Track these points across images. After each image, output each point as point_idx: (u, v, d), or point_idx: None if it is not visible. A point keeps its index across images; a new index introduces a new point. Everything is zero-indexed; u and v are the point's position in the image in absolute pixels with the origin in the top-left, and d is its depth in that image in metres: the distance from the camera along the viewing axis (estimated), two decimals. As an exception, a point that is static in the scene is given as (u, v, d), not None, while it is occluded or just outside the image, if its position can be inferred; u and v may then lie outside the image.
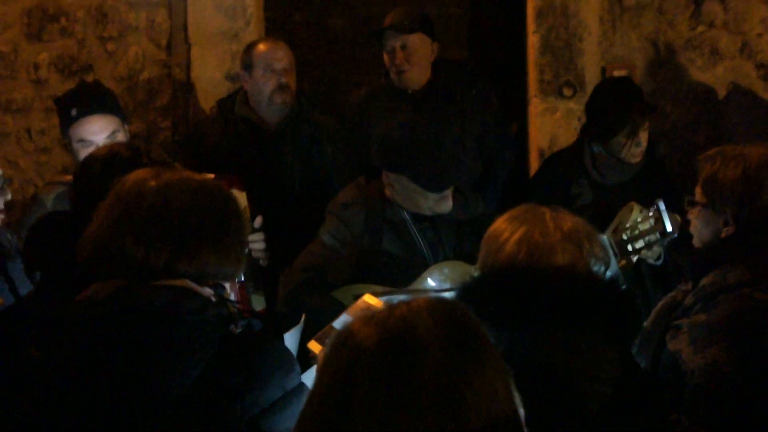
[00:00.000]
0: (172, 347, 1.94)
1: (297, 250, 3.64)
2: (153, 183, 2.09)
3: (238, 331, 2.01)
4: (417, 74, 4.47)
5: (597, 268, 2.19)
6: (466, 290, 2.19)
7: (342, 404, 1.42)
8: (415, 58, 4.44)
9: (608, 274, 2.25)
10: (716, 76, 5.34)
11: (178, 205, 2.06)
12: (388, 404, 1.39)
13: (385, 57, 4.48)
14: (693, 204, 2.75)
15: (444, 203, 3.51)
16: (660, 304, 2.85)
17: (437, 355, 1.42)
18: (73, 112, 3.82)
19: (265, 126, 4.39)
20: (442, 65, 4.56)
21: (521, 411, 1.50)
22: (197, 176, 2.19)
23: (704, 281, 2.63)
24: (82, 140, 3.79)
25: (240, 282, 3.29)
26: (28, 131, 5.57)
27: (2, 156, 5.13)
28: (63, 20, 5.46)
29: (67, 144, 3.95)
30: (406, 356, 1.42)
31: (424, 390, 1.40)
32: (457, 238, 3.57)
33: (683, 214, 3.73)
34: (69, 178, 3.64)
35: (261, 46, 4.41)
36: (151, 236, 2.03)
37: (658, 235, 3.21)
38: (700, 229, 2.73)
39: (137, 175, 2.13)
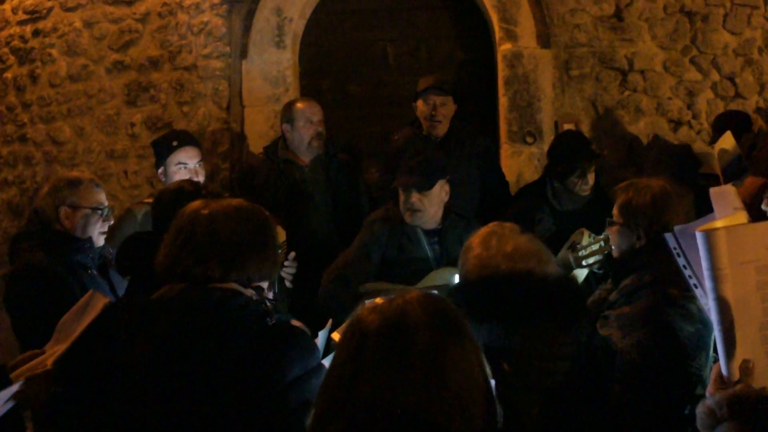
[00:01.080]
0: (222, 334, 1.88)
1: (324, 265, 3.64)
2: (204, 212, 2.03)
3: (272, 323, 1.95)
4: (445, 126, 4.38)
5: (541, 275, 2.13)
6: (450, 295, 2.17)
7: (353, 375, 1.40)
8: (446, 113, 4.37)
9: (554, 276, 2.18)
10: (639, 128, 5.33)
11: (224, 227, 2.00)
12: (388, 375, 1.38)
13: (423, 109, 4.38)
14: (612, 224, 2.71)
15: (410, 214, 3.49)
16: (588, 301, 2.77)
17: (425, 337, 1.41)
18: (174, 143, 3.97)
19: (302, 164, 4.35)
20: (455, 121, 4.48)
21: (492, 381, 1.48)
22: (235, 201, 2.12)
23: (625, 282, 2.61)
24: (180, 163, 3.91)
25: (274, 292, 3.21)
26: (125, 172, 5.55)
27: (107, 191, 5.02)
28: (152, 90, 5.47)
29: (161, 172, 4.00)
30: (401, 338, 1.41)
31: (415, 363, 1.38)
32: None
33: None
34: (151, 200, 3.72)
35: (300, 104, 4.39)
36: (205, 257, 1.97)
37: (605, 254, 3.20)
38: (618, 243, 2.70)
39: (191, 207, 2.08)
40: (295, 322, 2.38)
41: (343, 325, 2.55)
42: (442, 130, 4.36)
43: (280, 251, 3.32)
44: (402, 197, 3.51)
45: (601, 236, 3.20)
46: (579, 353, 2.08)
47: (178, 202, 2.72)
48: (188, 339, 1.88)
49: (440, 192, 3.53)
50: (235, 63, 5.30)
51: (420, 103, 4.38)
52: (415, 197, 3.47)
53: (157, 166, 4.02)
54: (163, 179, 3.96)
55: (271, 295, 2.12)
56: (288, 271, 3.42)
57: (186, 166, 3.91)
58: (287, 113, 4.36)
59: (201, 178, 3.92)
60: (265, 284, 2.08)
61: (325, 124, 4.39)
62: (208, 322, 1.88)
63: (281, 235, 3.41)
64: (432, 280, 3.34)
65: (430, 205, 3.50)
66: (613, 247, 2.75)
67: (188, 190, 2.91)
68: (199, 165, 3.97)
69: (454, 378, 1.38)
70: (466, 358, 1.42)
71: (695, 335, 2.43)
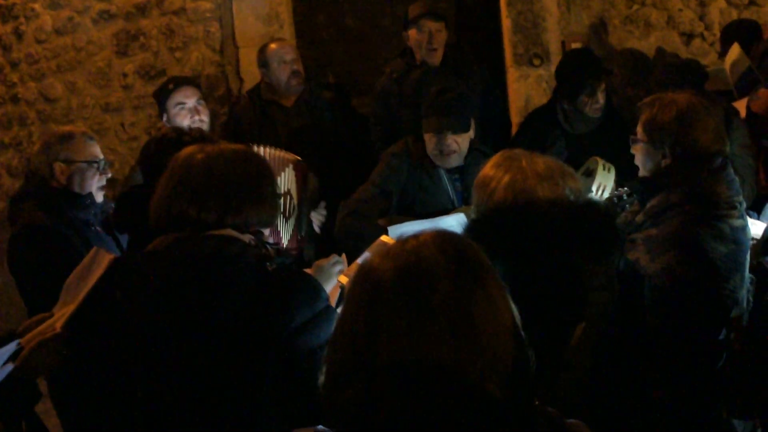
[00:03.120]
0: (218, 283, 1.80)
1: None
2: (199, 156, 1.94)
3: (272, 267, 1.85)
4: (440, 54, 4.21)
5: (573, 197, 2.01)
6: (467, 231, 1.97)
7: (367, 332, 1.20)
8: (442, 40, 4.19)
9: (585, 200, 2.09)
10: (650, 44, 5.13)
11: (220, 171, 1.91)
12: (408, 330, 1.18)
13: (417, 38, 4.18)
14: (636, 141, 2.56)
15: (443, 157, 3.31)
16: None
17: (446, 282, 1.21)
18: (171, 85, 3.93)
19: (286, 105, 4.27)
20: (449, 48, 4.30)
21: (518, 317, 1.29)
22: (233, 146, 2.04)
23: (651, 203, 2.46)
24: (179, 104, 3.85)
25: (301, 236, 3.26)
26: (122, 125, 5.42)
27: (105, 146, 4.96)
28: (141, 38, 5.30)
29: (165, 120, 3.92)
30: (419, 286, 1.21)
31: (438, 314, 1.19)
32: None
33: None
34: None
35: (272, 45, 4.33)
36: (201, 198, 1.88)
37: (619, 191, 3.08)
38: (643, 162, 2.55)
39: (186, 150, 1.99)
40: (310, 271, 2.29)
41: (351, 269, 2.49)
42: (438, 58, 4.19)
43: (308, 196, 3.27)
44: (433, 139, 3.31)
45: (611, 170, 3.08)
46: (613, 283, 1.95)
47: (163, 150, 2.65)
48: (184, 292, 1.80)
49: (472, 129, 3.38)
50: (225, 3, 5.13)
51: (413, 31, 4.18)
52: (450, 139, 3.28)
53: (161, 115, 3.97)
54: (168, 126, 3.84)
55: (271, 240, 2.02)
56: (319, 218, 3.35)
57: (185, 105, 3.84)
58: (261, 57, 4.30)
59: (204, 118, 3.87)
60: (266, 230, 1.99)
61: (301, 61, 4.29)
62: (203, 272, 1.80)
63: (313, 182, 3.35)
64: (451, 219, 3.19)
65: (465, 144, 3.34)
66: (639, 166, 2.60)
67: (171, 136, 2.81)
68: (200, 103, 3.90)
69: (482, 327, 1.20)
70: (493, 302, 1.23)
71: (728, 255, 2.31)
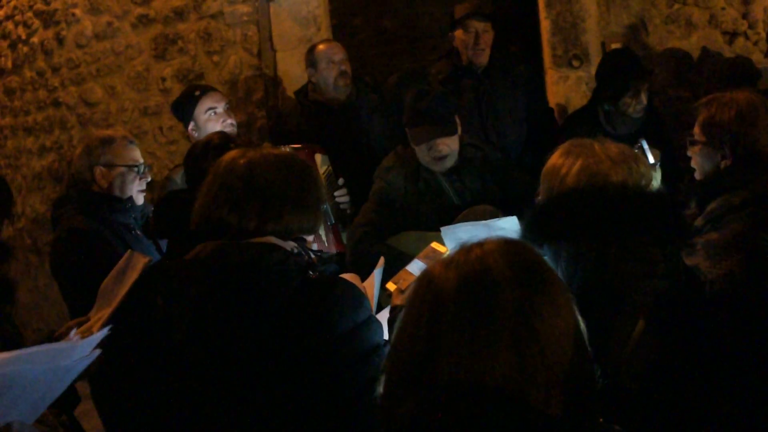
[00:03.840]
0: (259, 293, 1.76)
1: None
2: (241, 161, 1.90)
3: (315, 276, 1.82)
4: (487, 54, 4.13)
5: (644, 182, 1.95)
6: (537, 216, 1.93)
7: (428, 344, 1.15)
8: (488, 40, 4.13)
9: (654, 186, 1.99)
10: (691, 44, 4.99)
11: (261, 177, 1.87)
12: (470, 344, 1.13)
13: (464, 38, 4.11)
14: (694, 143, 2.48)
15: (438, 162, 3.23)
16: None
17: (512, 295, 1.15)
18: (197, 92, 3.85)
19: (332, 105, 4.22)
20: (495, 48, 4.23)
21: (584, 330, 1.22)
22: (276, 150, 1.99)
23: (711, 206, 2.38)
24: (210, 109, 3.78)
25: (332, 223, 3.22)
26: (161, 128, 5.46)
27: (143, 149, 5.01)
28: (179, 42, 5.32)
29: (192, 128, 3.85)
30: (484, 298, 1.15)
31: (501, 328, 1.13)
32: (481, 182, 3.30)
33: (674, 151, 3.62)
34: None
35: (320, 46, 4.28)
36: (242, 205, 1.84)
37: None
38: (701, 164, 2.48)
39: (228, 155, 1.95)
40: (349, 275, 2.26)
41: (400, 276, 2.46)
42: (484, 58, 4.11)
43: (326, 183, 3.22)
44: (423, 148, 3.23)
45: (638, 146, 2.91)
46: (677, 271, 1.89)
47: (207, 155, 2.64)
48: (225, 301, 1.77)
49: (458, 126, 3.29)
50: (262, 6, 5.10)
51: (460, 32, 4.12)
52: (441, 144, 3.20)
53: (186, 124, 3.89)
54: (196, 134, 3.82)
55: (315, 247, 1.99)
56: (343, 199, 3.30)
57: (216, 110, 3.78)
58: (309, 58, 4.26)
59: (234, 122, 3.84)
60: (309, 237, 1.95)
61: (350, 63, 4.24)
62: (244, 281, 1.76)
63: (324, 161, 3.31)
64: (467, 220, 3.10)
65: (455, 144, 3.26)
66: (695, 169, 2.53)
67: (217, 142, 2.80)
68: (228, 107, 3.87)
69: (548, 343, 1.14)
70: (561, 316, 1.17)
71: None
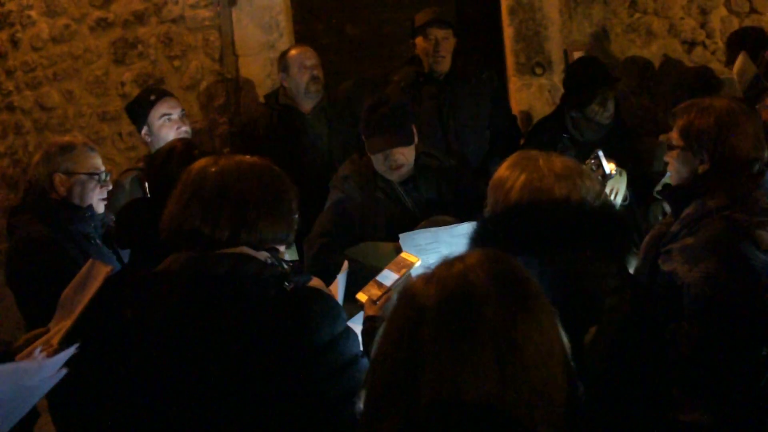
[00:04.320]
0: (235, 304, 1.71)
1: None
2: (213, 169, 1.85)
3: (291, 287, 1.77)
4: (448, 61, 4.16)
5: (590, 197, 1.95)
6: (483, 231, 1.93)
7: (410, 361, 1.13)
8: (449, 47, 4.15)
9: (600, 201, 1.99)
10: (652, 52, 5.13)
11: (235, 185, 1.82)
12: (452, 360, 1.11)
13: (424, 46, 4.14)
14: (671, 148, 2.48)
15: (394, 171, 3.20)
16: (647, 238, 2.58)
17: (494, 310, 1.13)
18: (152, 97, 3.79)
19: (301, 111, 4.23)
20: (457, 55, 4.24)
21: (568, 346, 1.21)
22: (249, 158, 1.93)
23: (687, 211, 2.39)
24: (164, 115, 3.73)
25: None
26: (120, 134, 5.36)
27: (102, 155, 4.93)
28: (139, 46, 5.24)
29: (145, 133, 3.80)
30: (466, 313, 1.13)
31: (484, 345, 1.11)
32: (437, 191, 3.28)
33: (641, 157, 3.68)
34: (141, 165, 3.76)
35: (293, 51, 4.30)
36: (215, 214, 1.79)
37: (599, 177, 2.95)
38: (678, 168, 2.48)
39: (199, 163, 1.90)
40: (315, 282, 2.24)
41: (370, 287, 2.43)
42: (445, 66, 4.14)
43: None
44: (380, 157, 3.19)
45: (594, 156, 3.01)
46: (625, 286, 1.88)
47: (171, 163, 2.58)
48: (199, 314, 1.72)
49: (415, 136, 3.25)
50: (224, 11, 5.07)
51: (420, 39, 4.14)
52: (398, 153, 3.16)
53: (140, 129, 3.83)
54: (149, 139, 3.78)
55: (287, 257, 1.95)
56: None
57: (170, 116, 3.72)
58: (282, 62, 4.26)
59: (188, 129, 3.78)
60: (281, 247, 1.91)
61: (322, 70, 4.25)
62: (219, 293, 1.72)
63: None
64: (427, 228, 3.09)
65: (412, 155, 3.23)
66: (670, 174, 2.54)
67: (181, 149, 2.71)
68: (183, 114, 3.81)
69: (532, 358, 1.12)
70: (544, 331, 1.15)
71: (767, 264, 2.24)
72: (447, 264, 1.22)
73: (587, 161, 2.99)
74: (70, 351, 1.90)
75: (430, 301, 1.16)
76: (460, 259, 1.22)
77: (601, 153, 2.99)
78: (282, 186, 1.89)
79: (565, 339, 1.20)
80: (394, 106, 3.24)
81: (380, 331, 1.22)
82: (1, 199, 5.76)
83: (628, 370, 1.78)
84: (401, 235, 2.79)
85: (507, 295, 1.16)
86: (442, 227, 2.79)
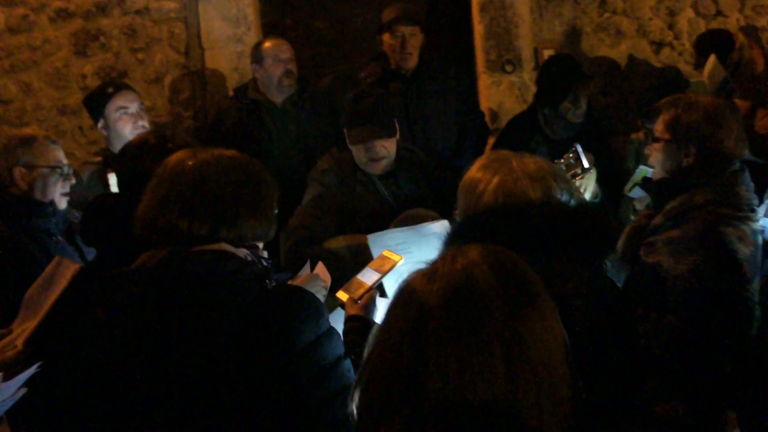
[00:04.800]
0: (214, 303, 1.64)
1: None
2: (191, 162, 1.78)
3: (271, 285, 1.72)
4: (415, 58, 4.13)
5: (565, 197, 1.92)
6: (455, 235, 1.85)
7: (414, 360, 1.09)
8: (416, 44, 4.12)
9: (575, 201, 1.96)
10: (621, 52, 5.18)
11: (214, 179, 1.75)
12: (459, 359, 1.07)
13: (391, 42, 4.12)
14: (656, 140, 2.51)
15: (374, 164, 3.19)
16: (627, 229, 2.60)
17: (500, 307, 1.10)
18: (110, 89, 3.73)
19: (272, 105, 4.18)
20: (424, 52, 4.21)
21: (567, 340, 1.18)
22: (228, 152, 1.85)
23: (671, 204, 2.42)
24: (121, 108, 3.66)
25: None
26: (80, 128, 5.23)
27: (63, 150, 4.83)
28: (102, 38, 5.12)
29: (102, 126, 3.75)
30: (472, 310, 1.09)
31: (491, 343, 1.07)
32: (416, 185, 3.28)
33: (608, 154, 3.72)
34: (99, 159, 3.73)
35: (268, 43, 4.23)
36: (193, 209, 1.72)
37: (579, 170, 2.95)
38: (662, 161, 2.51)
39: (176, 156, 1.82)
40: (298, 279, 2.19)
41: (351, 285, 2.37)
42: (412, 62, 4.11)
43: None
44: (362, 149, 3.17)
45: (573, 150, 2.99)
46: (596, 291, 1.83)
47: (143, 157, 2.50)
48: (177, 314, 1.65)
49: (397, 131, 3.24)
50: (190, 3, 4.97)
51: (387, 36, 4.11)
52: (379, 145, 3.14)
53: (96, 121, 3.77)
54: (105, 133, 3.73)
55: (266, 254, 1.90)
56: None
57: (127, 110, 3.66)
58: (255, 53, 4.20)
59: (146, 124, 3.70)
60: (260, 243, 1.85)
61: (296, 63, 4.20)
62: (198, 292, 1.65)
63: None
64: (404, 224, 3.03)
65: (393, 148, 3.21)
66: (653, 166, 2.57)
67: (153, 143, 2.60)
68: (141, 109, 3.73)
69: (538, 357, 1.09)
70: (549, 328, 1.13)
71: (751, 257, 2.30)
72: (448, 260, 1.18)
73: (565, 156, 2.99)
74: (31, 371, 1.85)
75: (434, 299, 1.12)
76: (461, 254, 1.18)
77: (579, 147, 2.98)
78: (263, 181, 1.83)
79: (565, 334, 1.17)
80: (379, 98, 3.23)
81: (375, 331, 1.17)
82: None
83: (602, 365, 1.73)
84: (369, 237, 2.76)
85: (512, 291, 1.13)
86: (411, 227, 2.77)
